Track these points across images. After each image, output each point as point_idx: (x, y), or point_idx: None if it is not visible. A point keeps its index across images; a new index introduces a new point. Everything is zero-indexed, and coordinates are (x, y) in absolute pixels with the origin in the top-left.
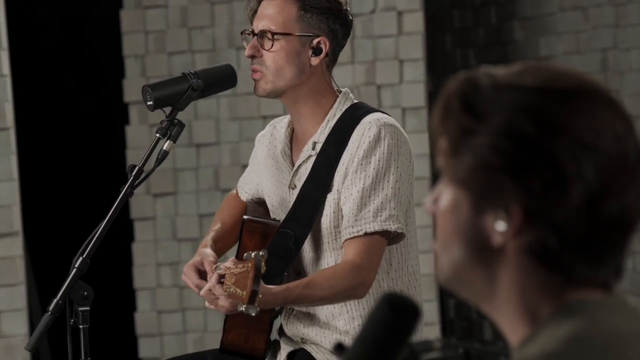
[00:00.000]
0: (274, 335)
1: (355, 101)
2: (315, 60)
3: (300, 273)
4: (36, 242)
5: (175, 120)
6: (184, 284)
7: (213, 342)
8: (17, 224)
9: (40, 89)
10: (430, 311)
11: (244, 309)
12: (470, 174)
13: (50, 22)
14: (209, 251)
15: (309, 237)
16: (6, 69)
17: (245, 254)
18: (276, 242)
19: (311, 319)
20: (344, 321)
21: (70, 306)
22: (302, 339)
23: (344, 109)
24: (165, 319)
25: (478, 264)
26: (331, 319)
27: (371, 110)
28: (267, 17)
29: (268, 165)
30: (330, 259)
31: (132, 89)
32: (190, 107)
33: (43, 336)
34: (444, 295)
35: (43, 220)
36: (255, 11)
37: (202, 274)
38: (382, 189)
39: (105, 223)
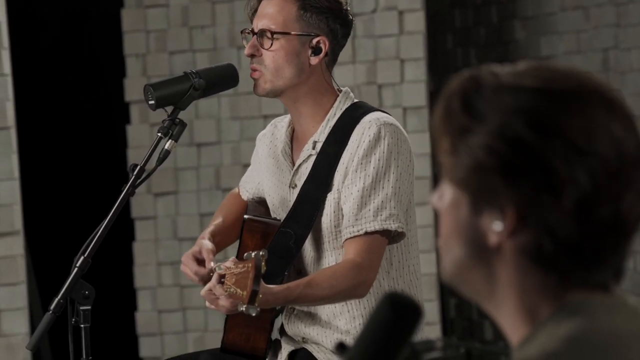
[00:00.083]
0: (274, 335)
1: (356, 100)
2: (314, 60)
3: (300, 272)
4: (37, 241)
5: (177, 120)
6: (184, 284)
7: (214, 341)
8: (18, 223)
9: (41, 88)
10: (431, 311)
11: (244, 309)
12: (468, 174)
13: (51, 21)
14: (207, 242)
15: (309, 236)
16: (7, 68)
17: (245, 254)
18: (277, 242)
19: (312, 318)
20: (345, 321)
21: (71, 305)
22: (303, 338)
23: (344, 109)
24: (166, 319)
25: (478, 263)
26: (332, 319)
27: (371, 109)
28: (267, 17)
29: (269, 164)
30: (330, 259)
31: (133, 89)
32: (191, 107)
33: (44, 335)
34: (445, 295)
35: (44, 220)
36: (256, 10)
37: (201, 264)
38: (383, 188)
39: (107, 222)
